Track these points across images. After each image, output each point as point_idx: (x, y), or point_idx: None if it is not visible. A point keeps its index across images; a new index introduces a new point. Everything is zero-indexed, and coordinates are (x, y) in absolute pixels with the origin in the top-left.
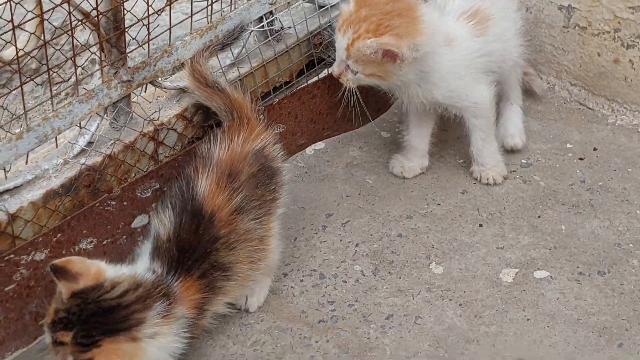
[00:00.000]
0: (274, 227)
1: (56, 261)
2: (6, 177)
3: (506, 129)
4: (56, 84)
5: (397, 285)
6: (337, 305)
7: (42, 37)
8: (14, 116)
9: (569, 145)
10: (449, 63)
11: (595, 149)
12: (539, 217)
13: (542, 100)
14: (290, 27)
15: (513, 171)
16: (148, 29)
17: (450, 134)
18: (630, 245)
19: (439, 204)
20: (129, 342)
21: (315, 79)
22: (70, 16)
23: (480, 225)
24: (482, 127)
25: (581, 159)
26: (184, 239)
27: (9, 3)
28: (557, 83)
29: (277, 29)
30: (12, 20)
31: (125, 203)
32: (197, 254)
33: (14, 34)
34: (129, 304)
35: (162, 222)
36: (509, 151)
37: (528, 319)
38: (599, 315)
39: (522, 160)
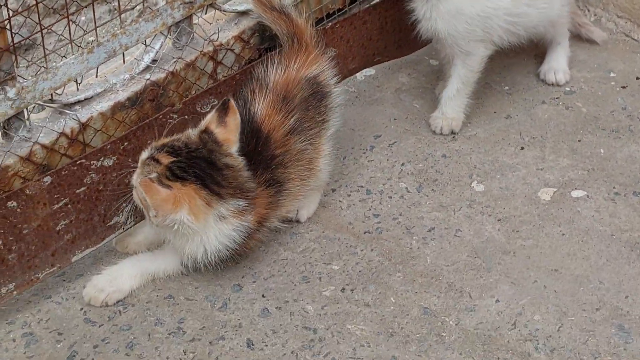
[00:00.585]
0: (324, 148)
1: (232, 103)
2: (78, 88)
3: (550, 65)
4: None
5: (440, 201)
6: (382, 218)
7: None
8: (86, 32)
9: (612, 74)
10: (468, 5)
11: (637, 78)
12: (579, 141)
13: None
14: None
15: (556, 98)
16: None
17: (496, 62)
18: None
19: (483, 128)
20: (204, 202)
21: (367, 5)
22: None
23: (522, 148)
24: (463, 77)
25: (623, 87)
26: (247, 156)
27: None
28: (604, 15)
29: None
30: None
31: (186, 117)
32: (259, 169)
33: None
34: (228, 177)
35: None
36: (552, 85)
37: (563, 234)
38: (631, 232)
39: (566, 88)
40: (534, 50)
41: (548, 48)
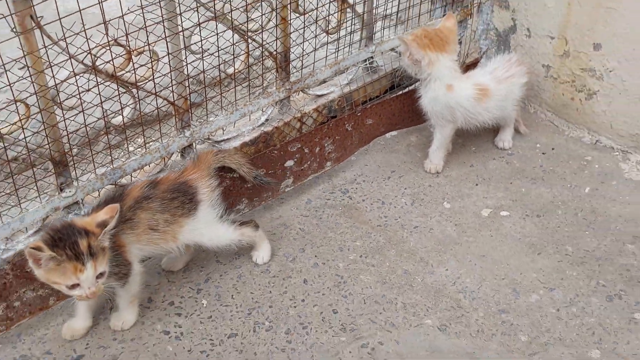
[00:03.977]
0: (184, 227)
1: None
2: (223, 132)
3: (500, 137)
4: (254, 89)
5: (423, 212)
6: (388, 218)
7: (247, 62)
8: (230, 103)
9: (538, 145)
10: (441, 96)
11: (553, 149)
12: (510, 183)
13: (529, 120)
14: (382, 66)
15: (502, 157)
16: (302, 63)
17: (471, 133)
18: (559, 202)
19: (456, 171)
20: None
21: (392, 95)
22: (262, 54)
23: (476, 185)
24: (439, 140)
25: (543, 153)
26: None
27: (232, 46)
28: (538, 109)
29: (374, 66)
30: (234, 55)
31: (282, 152)
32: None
33: (233, 60)
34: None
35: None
36: (501, 149)
37: (492, 236)
38: (531, 237)
39: (508, 152)
40: (494, 128)
41: (501, 127)
